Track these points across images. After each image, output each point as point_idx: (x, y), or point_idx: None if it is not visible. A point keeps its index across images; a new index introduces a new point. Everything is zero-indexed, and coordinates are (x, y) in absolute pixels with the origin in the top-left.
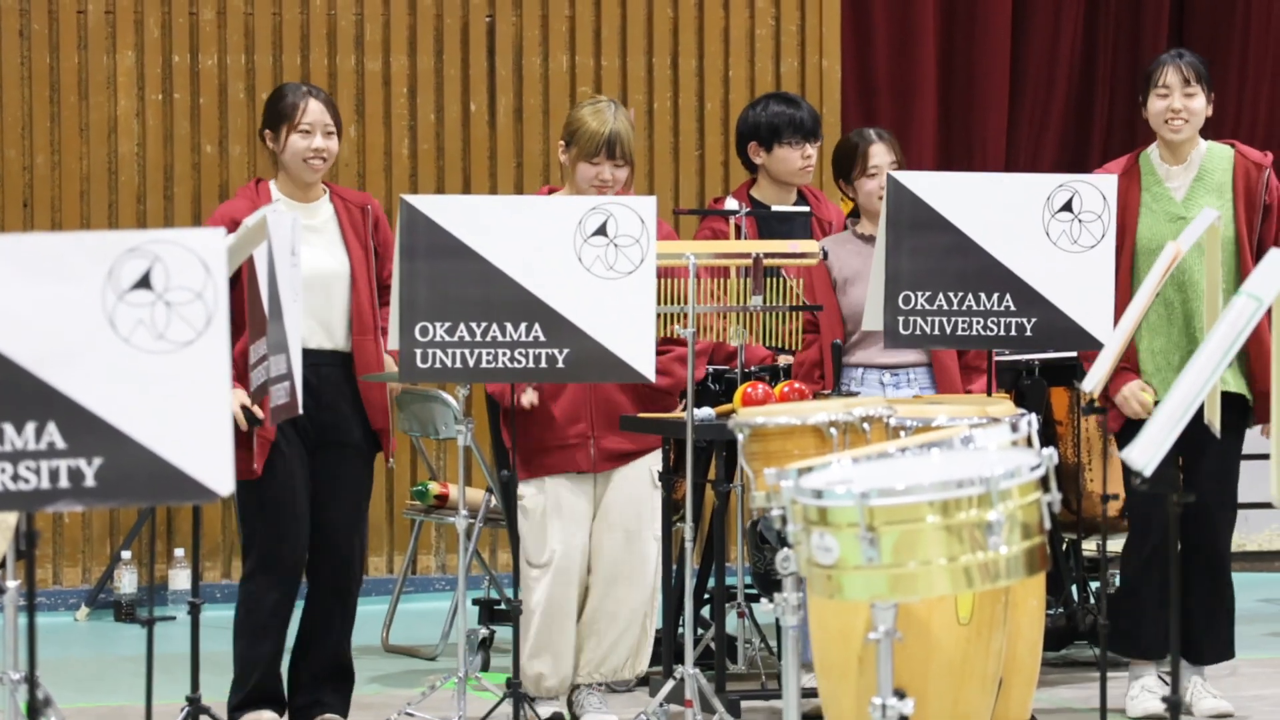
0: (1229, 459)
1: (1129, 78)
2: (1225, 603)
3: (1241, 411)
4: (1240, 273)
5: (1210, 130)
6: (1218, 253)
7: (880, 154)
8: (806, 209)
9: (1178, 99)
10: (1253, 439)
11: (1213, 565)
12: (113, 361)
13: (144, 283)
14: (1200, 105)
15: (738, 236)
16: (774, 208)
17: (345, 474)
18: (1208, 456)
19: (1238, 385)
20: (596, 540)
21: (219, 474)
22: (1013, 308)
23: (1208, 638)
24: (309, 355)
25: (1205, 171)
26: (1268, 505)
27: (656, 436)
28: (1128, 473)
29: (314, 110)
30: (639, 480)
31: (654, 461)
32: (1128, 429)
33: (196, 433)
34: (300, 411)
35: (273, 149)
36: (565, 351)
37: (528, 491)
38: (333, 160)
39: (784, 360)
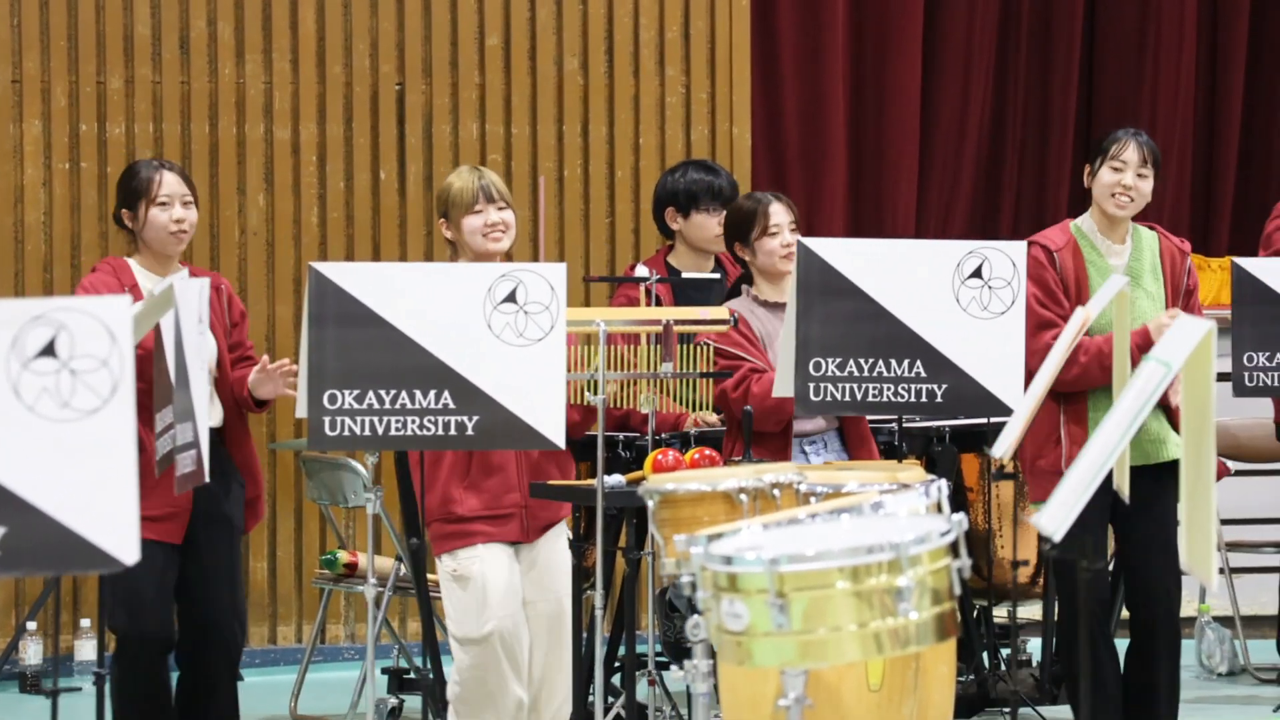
0: (1170, 526)
1: (1038, 147)
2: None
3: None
4: None
5: None
6: (1126, 319)
7: (780, 213)
8: (719, 275)
9: (1130, 176)
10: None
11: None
12: (17, 430)
13: (49, 351)
14: (1148, 188)
15: (649, 303)
16: (685, 274)
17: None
18: (1144, 523)
19: (1178, 452)
20: (531, 609)
21: (124, 542)
22: (923, 374)
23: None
24: None
25: (1139, 251)
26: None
27: (569, 504)
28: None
29: (170, 182)
30: (562, 549)
31: (565, 529)
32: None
33: (101, 501)
34: (206, 479)
35: (131, 227)
36: (475, 419)
37: (461, 561)
38: (193, 231)
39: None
